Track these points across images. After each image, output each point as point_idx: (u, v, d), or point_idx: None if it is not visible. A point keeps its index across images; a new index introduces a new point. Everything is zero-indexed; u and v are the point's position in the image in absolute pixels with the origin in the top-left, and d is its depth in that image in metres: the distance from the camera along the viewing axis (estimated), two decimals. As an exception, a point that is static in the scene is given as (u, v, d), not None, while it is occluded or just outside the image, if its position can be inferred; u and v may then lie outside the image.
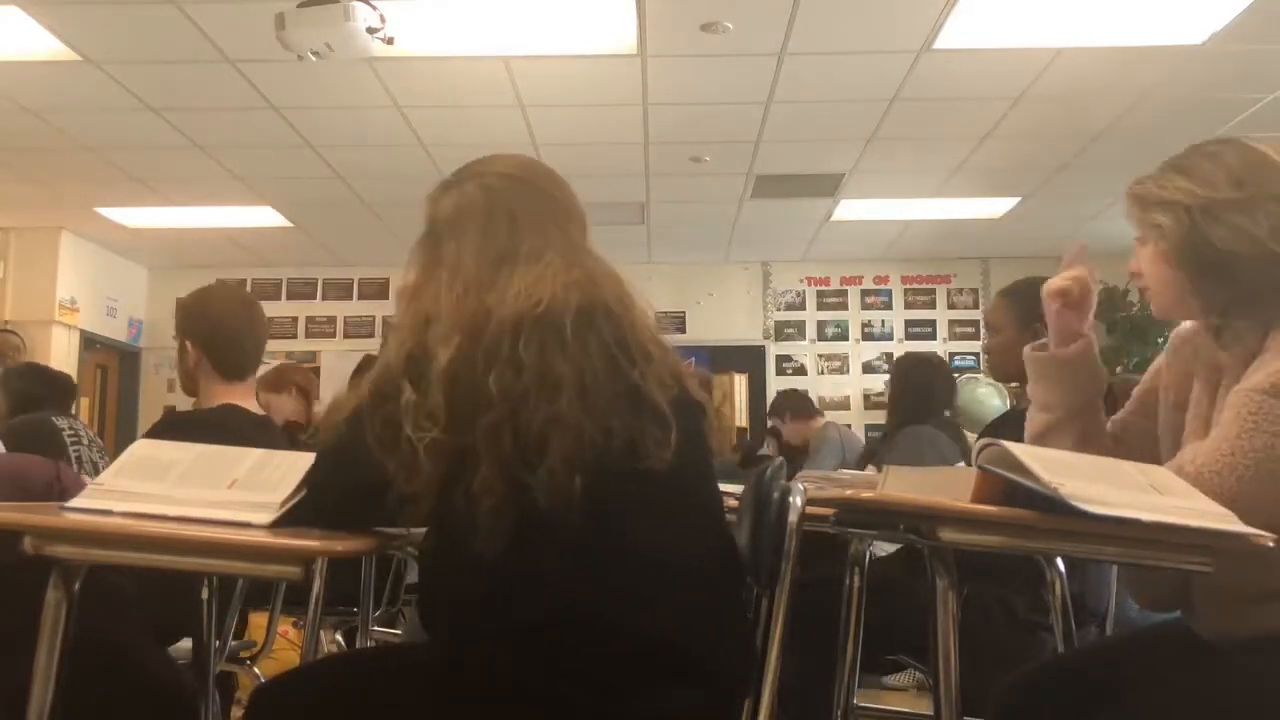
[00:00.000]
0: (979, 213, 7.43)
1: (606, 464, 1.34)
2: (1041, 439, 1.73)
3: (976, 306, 8.81)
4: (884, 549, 2.79)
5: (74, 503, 1.43)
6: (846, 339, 8.97)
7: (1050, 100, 5.26)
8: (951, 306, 8.97)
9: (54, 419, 3.61)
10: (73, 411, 4.01)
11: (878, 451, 4.04)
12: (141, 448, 1.56)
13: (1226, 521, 1.25)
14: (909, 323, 8.96)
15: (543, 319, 1.38)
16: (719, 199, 7.11)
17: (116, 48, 4.64)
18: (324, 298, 9.00)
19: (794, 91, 5.17)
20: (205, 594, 2.25)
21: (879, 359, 8.80)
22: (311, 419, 4.28)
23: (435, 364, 1.37)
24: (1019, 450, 1.30)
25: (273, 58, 4.42)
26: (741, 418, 8.49)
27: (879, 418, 7.69)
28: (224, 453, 1.56)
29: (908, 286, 8.98)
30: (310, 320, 8.98)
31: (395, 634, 3.52)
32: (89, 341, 8.22)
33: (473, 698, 1.34)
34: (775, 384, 8.85)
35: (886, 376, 6.79)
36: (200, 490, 1.44)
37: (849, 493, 1.70)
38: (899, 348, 8.80)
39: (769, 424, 6.56)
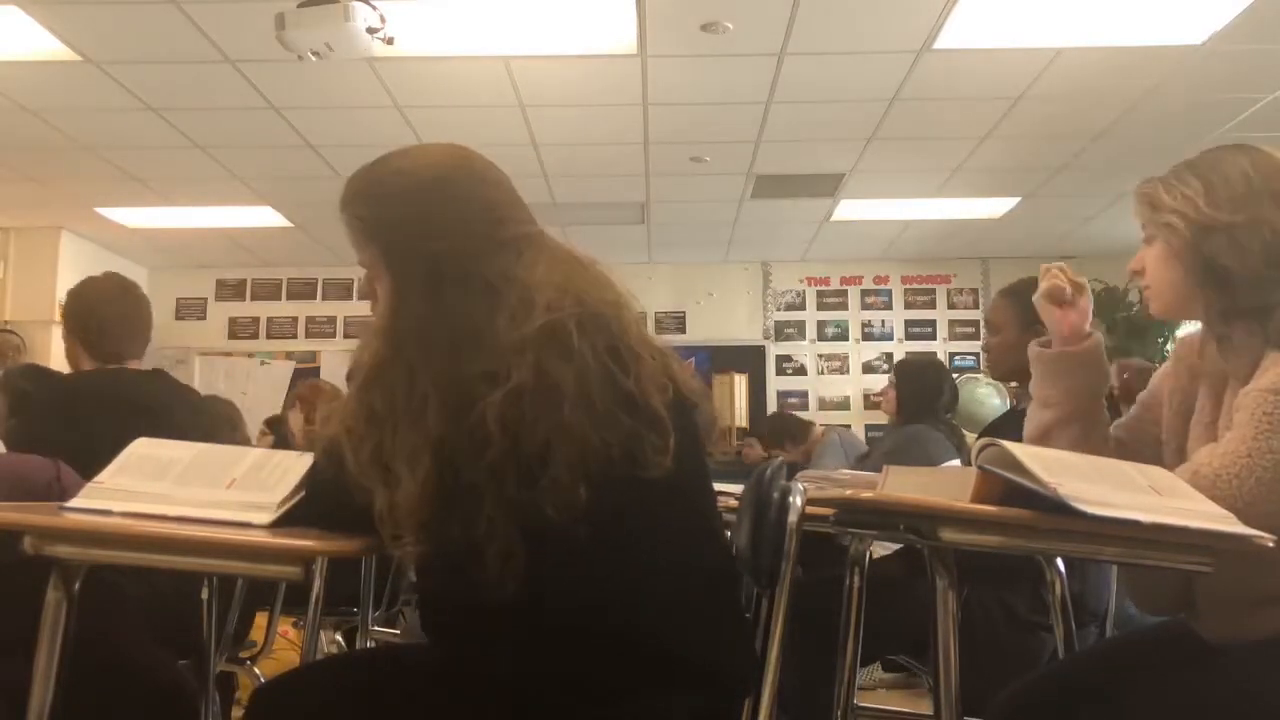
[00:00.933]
0: (979, 213, 7.42)
1: (608, 471, 1.31)
2: (1044, 436, 1.73)
3: (976, 306, 8.81)
4: (884, 549, 2.79)
5: (73, 503, 1.43)
6: (846, 339, 8.97)
7: (1050, 100, 5.26)
8: (951, 306, 8.97)
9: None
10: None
11: (870, 453, 4.12)
12: (141, 446, 1.56)
13: (1226, 522, 1.25)
14: (909, 323, 8.96)
15: (542, 330, 1.33)
16: (719, 199, 7.11)
17: (116, 48, 4.64)
18: (324, 298, 9.00)
19: (794, 91, 5.16)
20: (205, 594, 2.26)
21: (879, 359, 8.80)
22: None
23: (417, 393, 1.32)
24: (1018, 450, 1.30)
25: (273, 58, 4.42)
26: (741, 418, 8.50)
27: (879, 418, 7.69)
28: (223, 452, 1.56)
29: (908, 286, 8.98)
30: (310, 320, 8.97)
31: (395, 634, 3.52)
32: (89, 341, 8.21)
33: (473, 699, 1.34)
34: (775, 384, 8.86)
35: (887, 377, 6.81)
36: (199, 490, 1.44)
37: (849, 493, 1.70)
38: (899, 348, 8.80)
39: (771, 455, 6.60)
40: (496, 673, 1.33)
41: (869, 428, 8.22)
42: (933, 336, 8.92)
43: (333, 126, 5.61)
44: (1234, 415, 1.45)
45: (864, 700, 2.49)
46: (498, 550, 1.27)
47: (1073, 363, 1.74)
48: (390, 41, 4.06)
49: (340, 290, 8.97)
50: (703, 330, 8.81)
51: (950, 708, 1.35)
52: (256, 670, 2.73)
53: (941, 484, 1.43)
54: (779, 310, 9.02)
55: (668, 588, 1.36)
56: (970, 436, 3.90)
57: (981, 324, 7.99)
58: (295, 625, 3.79)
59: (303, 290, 9.00)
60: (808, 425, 6.67)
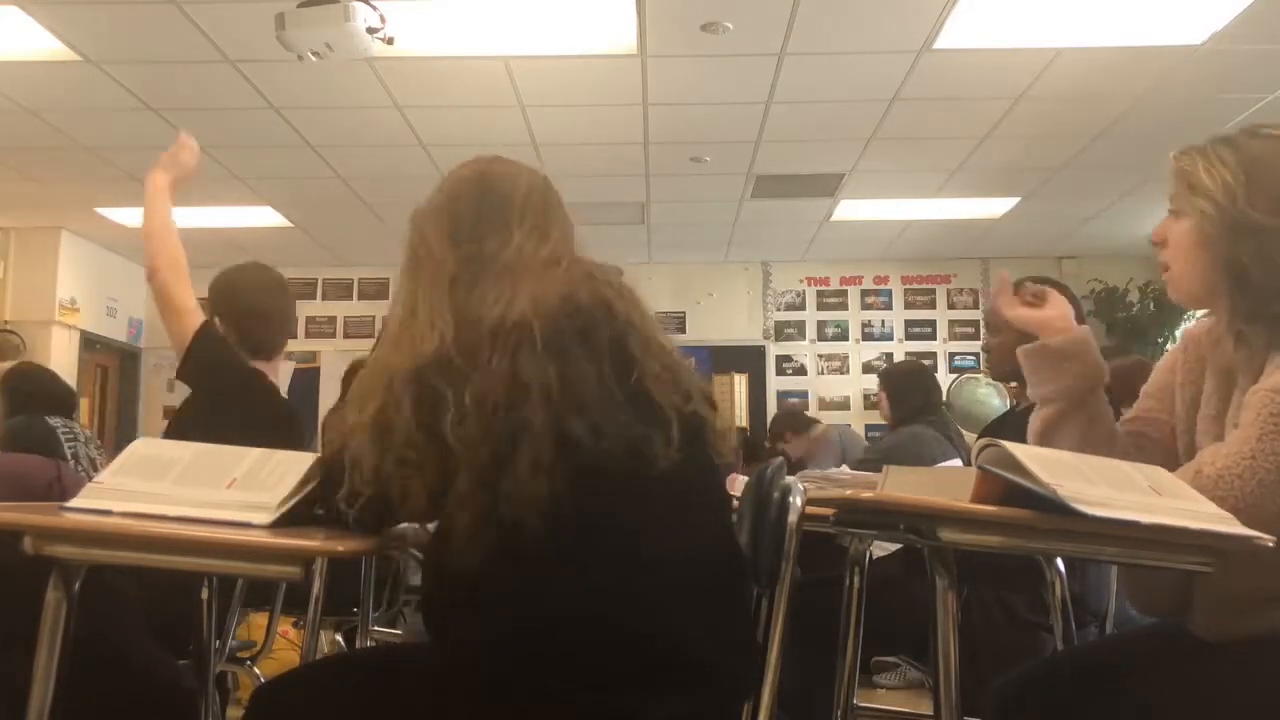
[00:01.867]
0: (979, 213, 7.43)
1: (603, 467, 1.32)
2: (1047, 434, 1.72)
3: (976, 306, 8.82)
4: (884, 549, 2.79)
5: (74, 502, 1.42)
6: (846, 339, 8.97)
7: (1050, 100, 5.26)
8: (951, 306, 8.97)
9: (48, 418, 3.61)
10: (73, 416, 4.01)
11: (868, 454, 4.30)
12: (141, 446, 1.56)
13: (1225, 523, 1.25)
14: (909, 323, 8.97)
15: (520, 324, 1.38)
16: (719, 199, 7.11)
17: (116, 48, 4.64)
18: (324, 298, 9.00)
19: (794, 92, 5.17)
20: (205, 594, 2.26)
21: (879, 359, 8.80)
22: None
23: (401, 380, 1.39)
24: (1018, 450, 1.29)
25: (273, 58, 4.42)
26: (742, 418, 8.50)
27: (879, 418, 7.69)
28: (223, 452, 1.56)
29: (908, 286, 8.98)
30: (310, 320, 8.97)
31: (395, 634, 3.51)
32: (89, 342, 8.22)
33: (473, 699, 1.34)
34: (775, 384, 8.86)
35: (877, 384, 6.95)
36: (199, 490, 1.44)
37: (849, 493, 1.69)
38: (899, 348, 8.81)
39: (774, 446, 6.66)
40: (496, 672, 1.33)
41: (869, 428, 8.22)
42: (933, 336, 8.92)
43: (333, 126, 5.60)
44: (1241, 414, 1.44)
45: (864, 700, 2.49)
46: (467, 522, 1.32)
47: (1057, 355, 1.71)
48: (390, 41, 4.07)
49: (340, 290, 8.97)
50: (703, 330, 8.81)
51: (950, 708, 1.35)
52: (256, 670, 2.73)
53: (941, 484, 1.43)
54: (779, 310, 9.02)
55: (668, 584, 1.36)
56: (970, 436, 3.93)
57: (981, 324, 8.00)
58: (295, 625, 3.79)
59: (303, 290, 8.98)
60: (807, 420, 6.78)
